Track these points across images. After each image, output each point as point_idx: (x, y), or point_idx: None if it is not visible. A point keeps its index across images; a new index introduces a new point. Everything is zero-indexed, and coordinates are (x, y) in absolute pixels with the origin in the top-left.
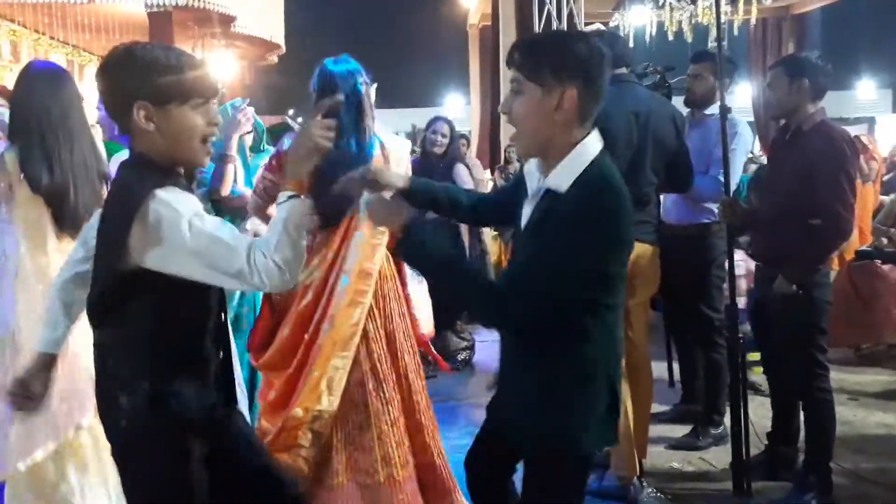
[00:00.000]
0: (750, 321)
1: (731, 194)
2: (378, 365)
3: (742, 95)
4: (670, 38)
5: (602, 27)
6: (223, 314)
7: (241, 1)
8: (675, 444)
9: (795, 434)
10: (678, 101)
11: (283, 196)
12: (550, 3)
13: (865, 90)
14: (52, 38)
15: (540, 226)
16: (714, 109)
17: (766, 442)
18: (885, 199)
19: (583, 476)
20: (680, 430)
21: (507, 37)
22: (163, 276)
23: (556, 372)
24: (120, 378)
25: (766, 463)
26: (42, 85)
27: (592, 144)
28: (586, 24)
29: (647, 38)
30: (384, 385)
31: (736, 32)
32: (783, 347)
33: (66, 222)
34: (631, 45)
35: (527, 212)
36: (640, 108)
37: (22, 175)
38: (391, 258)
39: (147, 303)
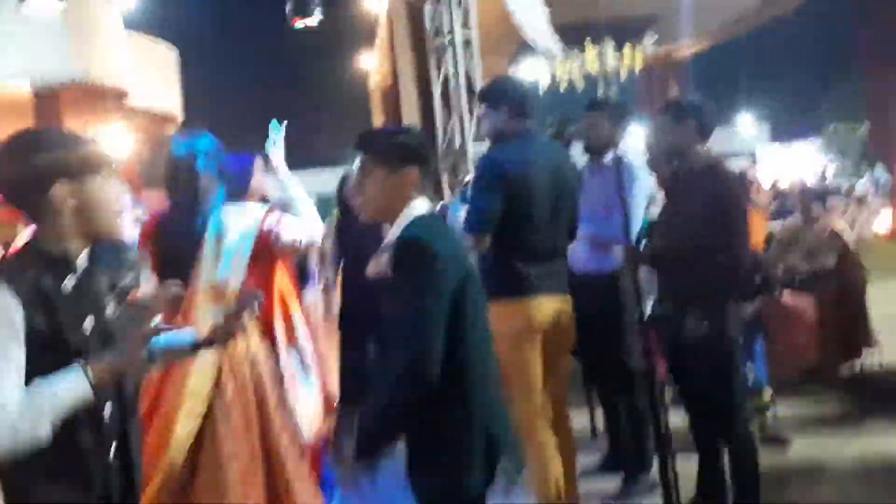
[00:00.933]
0: (667, 360)
1: (636, 238)
2: None
3: (636, 139)
4: (562, 89)
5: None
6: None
7: (134, 74)
8: (609, 499)
9: (723, 479)
10: (577, 151)
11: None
12: (444, 65)
13: (745, 124)
14: None
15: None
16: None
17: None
18: (773, 224)
19: None
20: (611, 480)
21: (408, 97)
22: None
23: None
24: None
25: None
26: None
27: (420, 206)
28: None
29: (541, 91)
30: None
31: (623, 80)
32: (701, 388)
33: None
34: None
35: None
36: (550, 159)
37: None
38: None
39: None
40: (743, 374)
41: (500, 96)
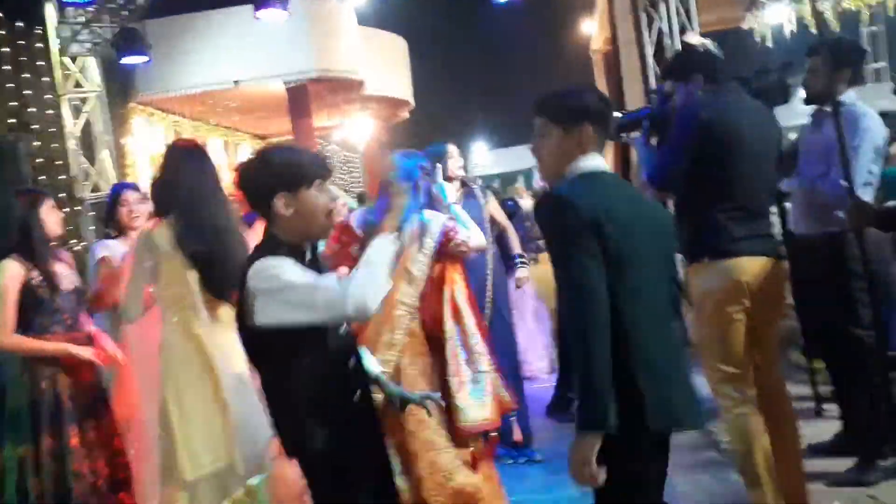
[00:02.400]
0: None
1: (866, 194)
2: None
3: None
4: (813, 30)
5: (703, 41)
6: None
7: (368, 65)
8: (838, 481)
9: None
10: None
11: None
12: (661, 20)
13: None
14: (207, 123)
15: None
16: (850, 101)
17: None
18: None
19: None
20: (842, 464)
21: (629, 59)
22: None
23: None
24: None
25: None
26: (190, 162)
27: (588, 164)
28: (706, 34)
29: (788, 34)
30: None
31: (893, 12)
32: None
33: (218, 288)
34: (770, 45)
35: None
36: (746, 115)
37: (177, 247)
38: None
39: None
40: None
41: (686, 68)
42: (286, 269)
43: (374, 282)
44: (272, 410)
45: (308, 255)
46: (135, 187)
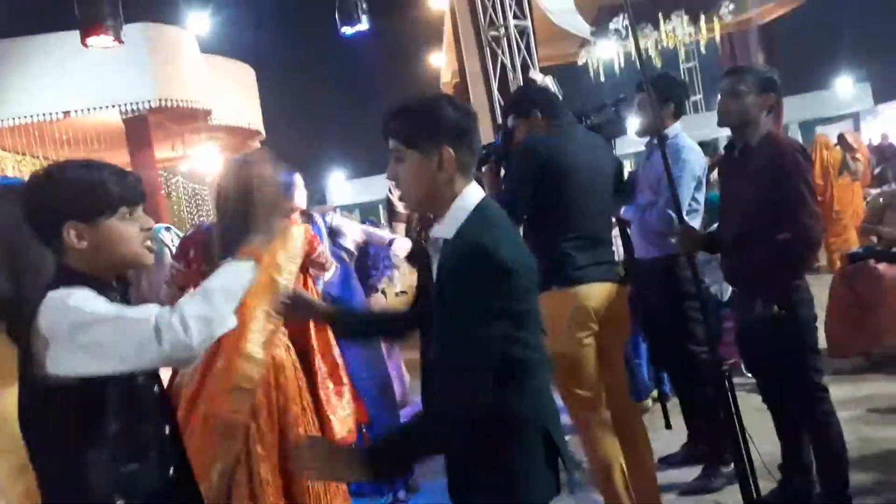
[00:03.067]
0: (738, 347)
1: (693, 221)
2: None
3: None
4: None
5: (538, 77)
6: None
7: (215, 94)
8: (687, 490)
9: (808, 464)
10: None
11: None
12: (504, 55)
13: (844, 87)
14: (33, 156)
15: (441, 277)
16: (674, 133)
17: (780, 475)
18: (871, 192)
19: None
20: (692, 474)
21: (476, 91)
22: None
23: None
24: None
25: (783, 497)
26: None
27: (472, 194)
28: (544, 69)
29: (617, 70)
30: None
31: (704, 51)
32: (777, 374)
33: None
34: (602, 79)
35: (435, 269)
36: (584, 148)
37: None
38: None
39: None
40: (817, 351)
41: (528, 105)
42: (84, 301)
43: (208, 313)
44: None
45: (116, 288)
46: None
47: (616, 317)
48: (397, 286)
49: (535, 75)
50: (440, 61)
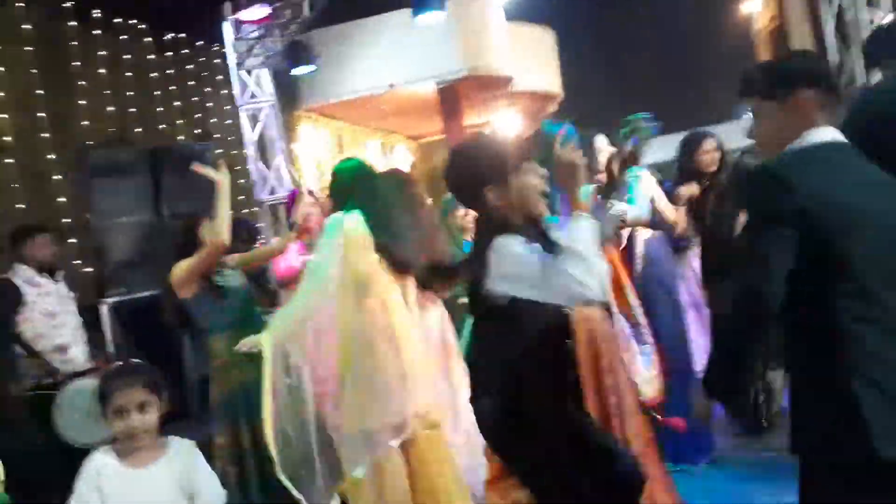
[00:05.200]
0: None
1: None
2: None
3: None
4: None
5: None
6: None
7: (516, 61)
8: None
9: None
10: None
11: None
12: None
13: None
14: (367, 126)
15: None
16: None
17: None
18: None
19: None
20: None
21: (799, 35)
22: None
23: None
24: None
25: None
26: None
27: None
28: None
29: None
30: None
31: None
32: None
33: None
34: None
35: None
36: None
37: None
38: None
39: None
40: None
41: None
42: (514, 247)
43: (588, 267)
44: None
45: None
46: (308, 192)
47: None
48: None
49: (887, 19)
50: (753, 7)
